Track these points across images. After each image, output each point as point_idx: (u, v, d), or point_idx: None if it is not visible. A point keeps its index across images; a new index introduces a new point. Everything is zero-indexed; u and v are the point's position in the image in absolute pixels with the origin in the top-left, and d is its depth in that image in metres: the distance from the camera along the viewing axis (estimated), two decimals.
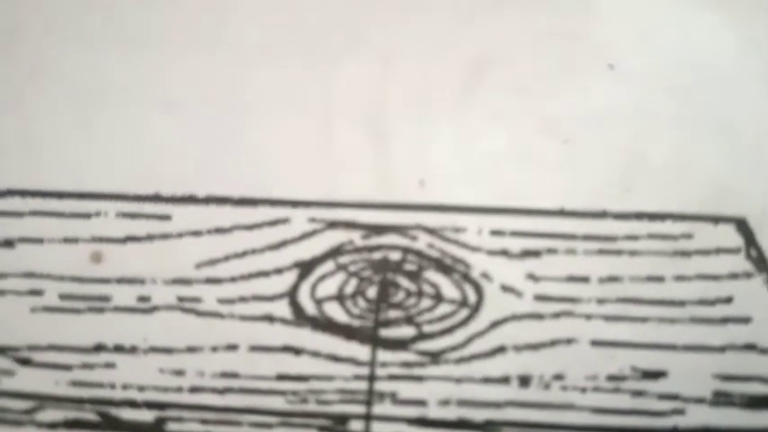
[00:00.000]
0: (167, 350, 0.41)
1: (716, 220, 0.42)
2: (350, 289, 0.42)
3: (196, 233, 0.42)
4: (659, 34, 0.45)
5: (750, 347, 0.40)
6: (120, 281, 0.42)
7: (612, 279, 0.41)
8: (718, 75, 0.44)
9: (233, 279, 0.42)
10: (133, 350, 0.41)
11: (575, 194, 0.42)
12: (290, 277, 0.42)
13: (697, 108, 0.42)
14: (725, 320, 0.41)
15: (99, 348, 0.41)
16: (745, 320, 0.41)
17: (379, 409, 0.39)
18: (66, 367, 0.41)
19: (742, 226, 0.42)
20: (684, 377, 0.40)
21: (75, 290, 0.42)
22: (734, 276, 0.41)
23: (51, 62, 0.48)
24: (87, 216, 0.43)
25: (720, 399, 0.39)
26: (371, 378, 0.40)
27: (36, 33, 0.48)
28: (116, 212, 0.43)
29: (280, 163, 0.43)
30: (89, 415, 0.41)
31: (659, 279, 0.41)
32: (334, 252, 0.42)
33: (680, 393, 0.39)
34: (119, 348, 0.41)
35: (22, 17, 0.48)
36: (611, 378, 0.40)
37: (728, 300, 0.41)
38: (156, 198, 0.43)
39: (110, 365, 0.41)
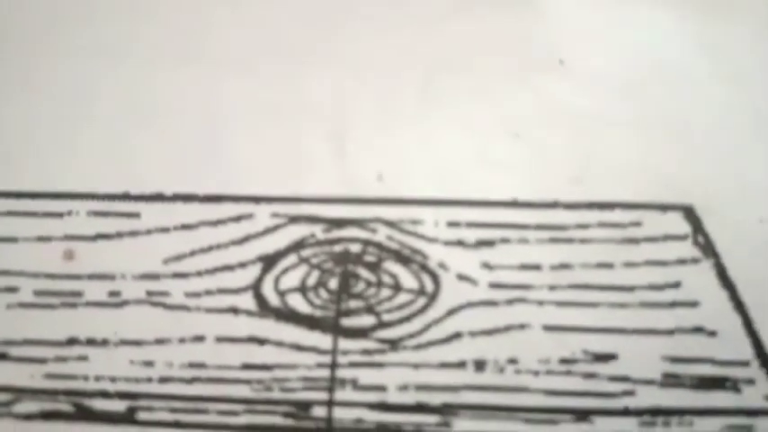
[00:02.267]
0: (137, 342, 0.44)
1: (664, 208, 0.44)
2: (312, 281, 0.44)
3: (164, 230, 0.45)
4: (611, 34, 0.47)
5: (698, 330, 0.43)
6: (92, 277, 0.45)
7: (564, 266, 0.43)
8: (667, 73, 0.46)
9: (199, 273, 0.44)
10: (105, 343, 0.44)
11: (527, 187, 0.44)
12: (254, 271, 0.44)
13: (645, 104, 0.45)
14: (673, 305, 0.43)
15: (72, 342, 0.44)
16: (693, 304, 0.43)
17: (340, 395, 0.42)
18: (41, 361, 0.44)
19: (689, 214, 0.45)
20: (634, 360, 0.42)
21: (49, 286, 0.45)
22: (682, 262, 0.44)
23: (32, 70, 0.51)
24: (60, 215, 0.46)
25: (670, 380, 0.42)
26: (333, 366, 0.42)
27: (20, 42, 0.51)
28: (87, 211, 0.46)
29: (246, 163, 0.46)
30: (64, 406, 0.43)
31: (609, 266, 0.43)
32: (297, 245, 0.44)
33: (630, 375, 0.42)
34: (91, 342, 0.44)
35: (7, 27, 0.51)
36: (564, 361, 0.42)
37: (677, 285, 0.43)
38: (126, 197, 0.45)
39: (82, 358, 0.44)
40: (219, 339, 0.43)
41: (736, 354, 0.42)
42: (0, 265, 0.45)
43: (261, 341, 0.43)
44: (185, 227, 0.45)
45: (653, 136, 0.45)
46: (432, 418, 0.42)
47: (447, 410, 0.42)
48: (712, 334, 0.43)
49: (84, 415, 0.43)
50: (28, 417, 0.43)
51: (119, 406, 0.43)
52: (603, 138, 0.45)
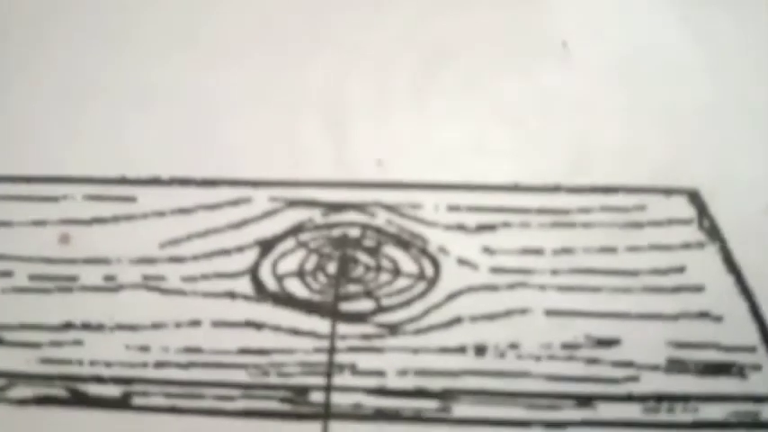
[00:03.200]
0: (133, 327, 0.44)
1: (668, 192, 0.44)
2: (310, 265, 0.44)
3: (160, 214, 0.45)
4: (610, 21, 0.47)
5: (703, 315, 0.43)
6: (88, 261, 0.45)
7: (566, 251, 0.43)
8: (668, 58, 0.46)
9: (195, 258, 0.44)
10: (100, 328, 0.44)
11: (528, 171, 0.44)
12: (251, 255, 0.44)
13: (646, 92, 0.45)
14: (678, 289, 0.43)
15: (67, 326, 0.44)
16: (698, 289, 0.43)
17: (339, 380, 0.42)
18: (36, 345, 0.44)
19: (694, 197, 0.44)
20: (638, 345, 0.42)
21: (44, 270, 0.45)
22: (687, 246, 0.44)
23: (29, 56, 0.51)
24: (55, 199, 0.46)
25: (674, 366, 0.42)
26: (331, 350, 0.42)
27: (16, 27, 0.51)
28: (83, 195, 0.46)
29: (243, 147, 0.46)
30: (59, 391, 0.43)
31: (612, 250, 0.43)
32: (295, 230, 0.44)
33: (634, 361, 0.42)
34: (86, 326, 0.44)
35: (4, 12, 0.51)
36: (566, 346, 0.42)
37: (681, 269, 0.43)
38: (122, 181, 0.45)
39: (78, 343, 0.44)
40: (216, 324, 0.43)
41: (743, 339, 0.42)
42: None
43: (258, 326, 0.43)
44: (182, 211, 0.45)
45: (656, 121, 0.45)
46: (431, 404, 0.41)
47: (447, 396, 0.41)
48: (718, 319, 0.42)
49: (79, 400, 0.43)
50: (22, 402, 0.43)
51: (114, 391, 0.43)
52: (604, 123, 0.45)
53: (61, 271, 0.45)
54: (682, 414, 0.41)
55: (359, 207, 0.44)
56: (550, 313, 0.42)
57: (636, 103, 0.44)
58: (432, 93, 0.46)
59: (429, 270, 0.43)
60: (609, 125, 0.44)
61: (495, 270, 0.43)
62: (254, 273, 0.44)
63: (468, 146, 0.44)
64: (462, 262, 0.43)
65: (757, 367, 0.41)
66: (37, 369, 0.44)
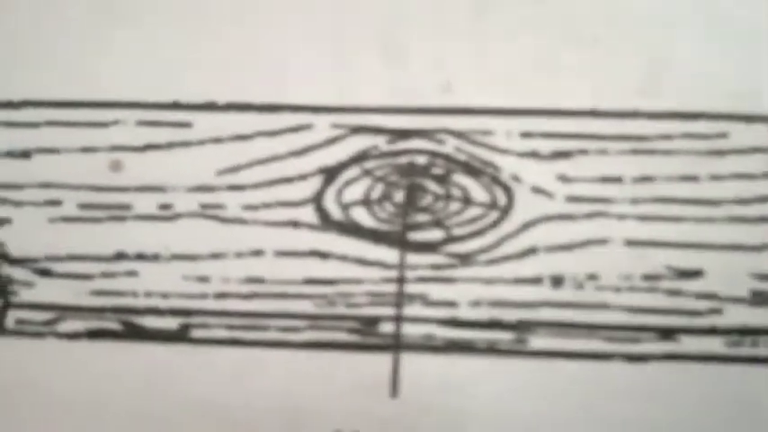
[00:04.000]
0: (191, 257, 0.42)
1: (750, 119, 0.42)
2: (376, 194, 0.42)
3: (217, 140, 0.43)
4: None
5: None
6: (141, 189, 0.43)
7: (646, 179, 0.42)
8: None
9: (256, 185, 0.42)
10: (155, 258, 0.42)
11: (604, 95, 0.42)
12: (314, 183, 0.42)
13: (722, 12, 0.43)
14: (762, 219, 0.42)
15: (120, 257, 0.42)
16: None
17: (409, 310, 0.41)
18: (87, 277, 0.42)
19: None
20: (721, 276, 0.41)
21: (94, 199, 0.43)
22: None
23: None
24: (105, 125, 0.44)
25: (759, 298, 0.40)
26: (401, 280, 0.41)
27: None
28: (135, 121, 0.44)
29: (300, 72, 0.44)
30: (111, 324, 0.42)
31: (694, 178, 0.42)
32: (360, 157, 0.43)
33: (717, 292, 0.41)
34: (140, 256, 0.42)
35: None
36: (646, 278, 0.41)
37: (765, 199, 0.42)
38: (176, 106, 0.44)
39: (131, 274, 0.42)
40: (279, 254, 0.41)
41: None
42: (41, 177, 0.43)
43: (323, 255, 0.41)
44: (240, 137, 0.43)
45: (737, 43, 0.43)
46: (506, 335, 0.40)
47: (522, 327, 0.40)
48: None
49: (134, 333, 0.41)
50: (73, 336, 0.42)
51: (171, 323, 0.41)
52: (679, 44, 0.43)
53: (113, 199, 0.43)
54: (766, 348, 0.40)
55: (426, 134, 0.43)
56: (630, 243, 0.41)
57: (715, 23, 0.43)
58: (494, 11, 0.43)
59: (502, 199, 0.42)
60: (685, 47, 0.42)
61: (572, 199, 0.42)
62: (318, 201, 0.42)
63: (539, 66, 0.42)
64: (537, 190, 0.42)
65: None
66: (88, 301, 0.42)
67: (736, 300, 0.40)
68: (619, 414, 0.39)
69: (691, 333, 0.40)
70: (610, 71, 0.43)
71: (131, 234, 0.42)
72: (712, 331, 0.40)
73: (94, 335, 0.42)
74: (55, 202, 0.43)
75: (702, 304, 0.40)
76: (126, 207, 0.43)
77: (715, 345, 0.40)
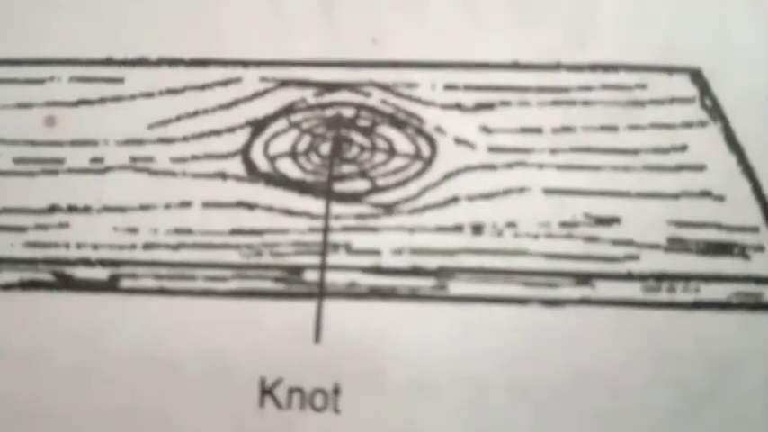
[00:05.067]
0: (121, 209, 0.43)
1: (670, 70, 0.44)
2: (303, 146, 0.44)
3: (148, 95, 0.44)
4: None
5: (705, 194, 0.43)
6: (74, 143, 0.44)
7: (566, 129, 0.43)
8: None
9: (185, 138, 0.44)
10: (87, 210, 0.43)
11: (528, 49, 0.44)
12: (242, 136, 0.44)
13: None
14: (679, 168, 0.43)
15: (53, 209, 0.44)
16: (700, 168, 0.43)
17: (333, 259, 0.42)
18: (21, 229, 0.44)
19: (696, 76, 0.44)
20: (638, 224, 0.42)
21: (29, 153, 0.45)
22: (688, 125, 0.44)
23: None
24: (41, 81, 0.45)
25: (675, 245, 0.42)
26: (326, 230, 0.42)
27: None
28: (69, 77, 0.45)
29: (231, 26, 0.45)
30: (44, 275, 0.43)
31: (613, 128, 0.43)
32: (287, 110, 0.44)
33: (634, 239, 0.42)
34: (72, 209, 0.44)
35: None
36: (564, 224, 0.42)
37: (683, 148, 0.43)
38: (109, 62, 0.45)
39: (63, 226, 0.44)
40: (207, 205, 0.43)
41: (745, 220, 0.42)
42: None
43: (250, 206, 0.43)
44: (171, 91, 0.45)
45: None
46: (427, 282, 0.42)
47: (443, 273, 0.41)
48: (719, 198, 0.43)
49: (66, 283, 0.43)
50: (7, 287, 0.43)
51: (101, 274, 0.43)
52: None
53: (47, 153, 0.45)
54: (682, 294, 0.41)
55: (353, 87, 0.44)
56: (549, 192, 0.43)
57: None
58: None
59: (425, 150, 0.43)
60: (609, 1, 0.43)
61: (494, 149, 0.43)
62: (245, 153, 0.43)
63: (466, 22, 0.44)
64: (459, 141, 0.43)
65: (760, 248, 0.42)
66: (22, 253, 0.44)
67: (653, 246, 0.42)
68: (535, 356, 0.40)
69: (607, 278, 0.41)
70: (532, 24, 0.44)
71: (64, 187, 0.44)
72: (629, 277, 0.41)
73: (28, 285, 0.43)
74: None
75: (619, 250, 0.42)
76: (59, 161, 0.44)
77: (632, 290, 0.42)
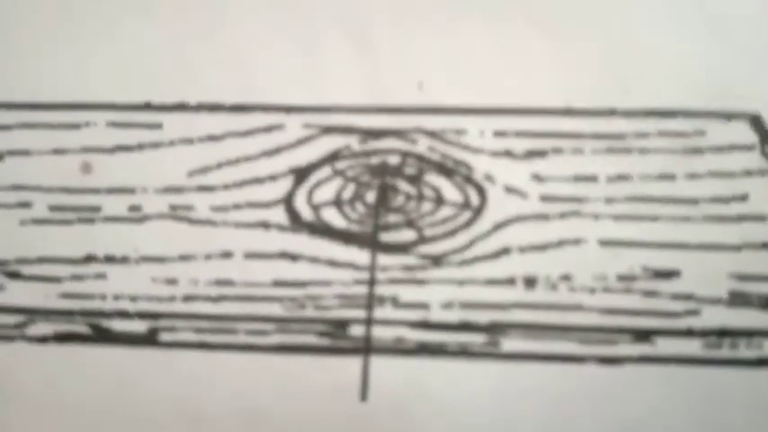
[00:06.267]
0: (159, 259, 0.42)
1: (728, 116, 0.42)
2: (348, 194, 0.42)
3: (187, 141, 0.43)
4: None
5: (767, 246, 0.40)
6: (111, 191, 0.43)
7: (621, 178, 0.42)
8: None
9: (226, 186, 0.43)
10: (124, 260, 0.42)
11: (581, 93, 0.42)
12: (285, 184, 0.43)
13: (699, 7, 0.42)
14: (740, 218, 0.41)
15: (89, 259, 0.42)
16: (762, 218, 0.42)
17: (380, 313, 0.40)
18: (56, 279, 0.43)
19: (756, 122, 0.43)
20: (699, 277, 0.41)
21: (65, 201, 0.44)
22: (749, 174, 0.42)
23: None
24: (77, 127, 0.44)
25: (737, 299, 0.40)
26: (372, 282, 0.41)
27: None
28: (106, 122, 0.44)
29: (271, 71, 0.44)
30: (80, 327, 0.42)
31: (670, 177, 0.42)
32: (331, 157, 0.42)
33: (694, 293, 0.40)
34: (109, 259, 0.42)
35: None
36: (622, 278, 0.40)
37: (744, 197, 0.41)
38: (147, 107, 0.44)
39: (100, 276, 0.42)
40: (248, 255, 0.42)
41: None
42: (13, 179, 0.44)
43: (293, 257, 0.41)
44: (211, 138, 0.43)
45: (702, 40, 0.43)
46: (479, 338, 0.40)
47: (495, 329, 0.40)
48: None
49: (103, 336, 0.42)
50: (42, 339, 0.42)
51: (139, 327, 0.41)
52: (655, 40, 0.42)
53: (83, 201, 0.43)
54: (746, 350, 0.40)
55: (398, 133, 0.43)
56: (605, 243, 0.41)
57: (692, 19, 0.42)
58: (464, 8, 0.43)
59: (474, 199, 0.42)
60: (664, 42, 0.42)
61: (546, 198, 0.41)
62: (288, 202, 0.42)
63: (513, 65, 0.42)
64: (510, 190, 0.41)
65: None
66: (57, 304, 0.42)
67: (714, 300, 0.40)
68: (593, 418, 0.39)
69: (667, 335, 0.40)
70: (585, 68, 0.43)
71: (101, 236, 0.43)
72: (689, 333, 0.40)
73: (63, 338, 0.42)
74: (25, 204, 0.44)
75: (679, 305, 0.40)
76: (95, 209, 0.43)
77: (692, 347, 0.40)
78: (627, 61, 0.43)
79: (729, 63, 0.44)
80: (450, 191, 0.43)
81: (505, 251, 0.42)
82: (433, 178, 0.43)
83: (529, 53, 0.44)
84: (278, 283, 0.42)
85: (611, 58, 0.43)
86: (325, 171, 0.44)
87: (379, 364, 0.41)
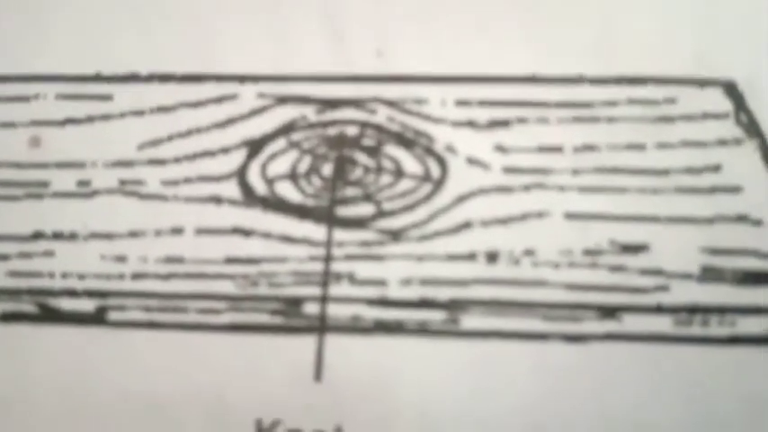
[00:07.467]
0: (108, 235, 0.41)
1: (702, 83, 0.40)
2: (303, 167, 0.41)
3: (138, 113, 0.42)
4: None
5: (741, 219, 0.40)
6: (60, 165, 0.42)
7: (589, 148, 0.40)
8: None
9: (177, 160, 0.42)
10: (73, 237, 0.41)
11: (546, 61, 0.40)
12: (238, 156, 0.41)
13: None
14: (713, 190, 0.40)
15: (37, 236, 0.41)
16: (736, 190, 0.40)
17: (335, 290, 0.39)
18: (3, 257, 0.42)
19: (731, 89, 0.41)
20: (669, 251, 0.39)
21: (13, 176, 0.43)
22: (722, 143, 0.40)
23: None
24: (25, 99, 0.43)
25: (709, 274, 0.39)
26: (328, 258, 0.39)
27: None
28: (55, 94, 0.42)
29: (228, 40, 0.43)
30: (28, 306, 0.41)
31: (640, 147, 0.40)
32: (286, 129, 0.41)
33: (664, 268, 0.39)
34: (58, 235, 0.41)
35: None
36: (588, 252, 0.39)
37: (717, 168, 0.40)
38: (97, 78, 0.42)
39: (48, 254, 0.41)
40: (200, 231, 0.40)
41: None
42: None
43: (246, 232, 0.40)
44: (162, 109, 0.42)
45: (682, 4, 0.40)
46: (438, 315, 0.38)
47: (455, 306, 0.38)
48: (757, 223, 0.39)
49: (50, 316, 0.40)
50: None
51: (88, 305, 0.40)
52: (626, 6, 0.40)
53: (31, 176, 0.42)
54: (717, 328, 0.38)
55: (356, 103, 0.41)
56: (571, 216, 0.39)
57: None
58: None
59: (435, 171, 0.40)
60: (634, 7, 0.40)
61: (509, 170, 0.40)
62: (241, 175, 0.41)
63: (477, 32, 0.40)
64: (472, 161, 0.40)
65: None
66: (4, 283, 0.41)
67: (685, 276, 0.38)
68: (556, 397, 0.37)
69: (635, 311, 0.38)
70: (552, 36, 0.41)
71: (49, 212, 0.41)
72: (658, 309, 0.38)
73: (10, 318, 0.40)
74: None
75: (648, 281, 0.39)
76: (44, 184, 0.42)
77: (662, 324, 0.38)
78: (596, 27, 0.42)
79: (703, 28, 0.42)
80: (410, 163, 0.41)
81: (467, 225, 0.40)
82: (393, 150, 0.42)
83: (496, 20, 0.42)
84: (230, 260, 0.40)
85: (580, 23, 0.42)
86: (280, 143, 0.42)
87: (334, 343, 0.39)
